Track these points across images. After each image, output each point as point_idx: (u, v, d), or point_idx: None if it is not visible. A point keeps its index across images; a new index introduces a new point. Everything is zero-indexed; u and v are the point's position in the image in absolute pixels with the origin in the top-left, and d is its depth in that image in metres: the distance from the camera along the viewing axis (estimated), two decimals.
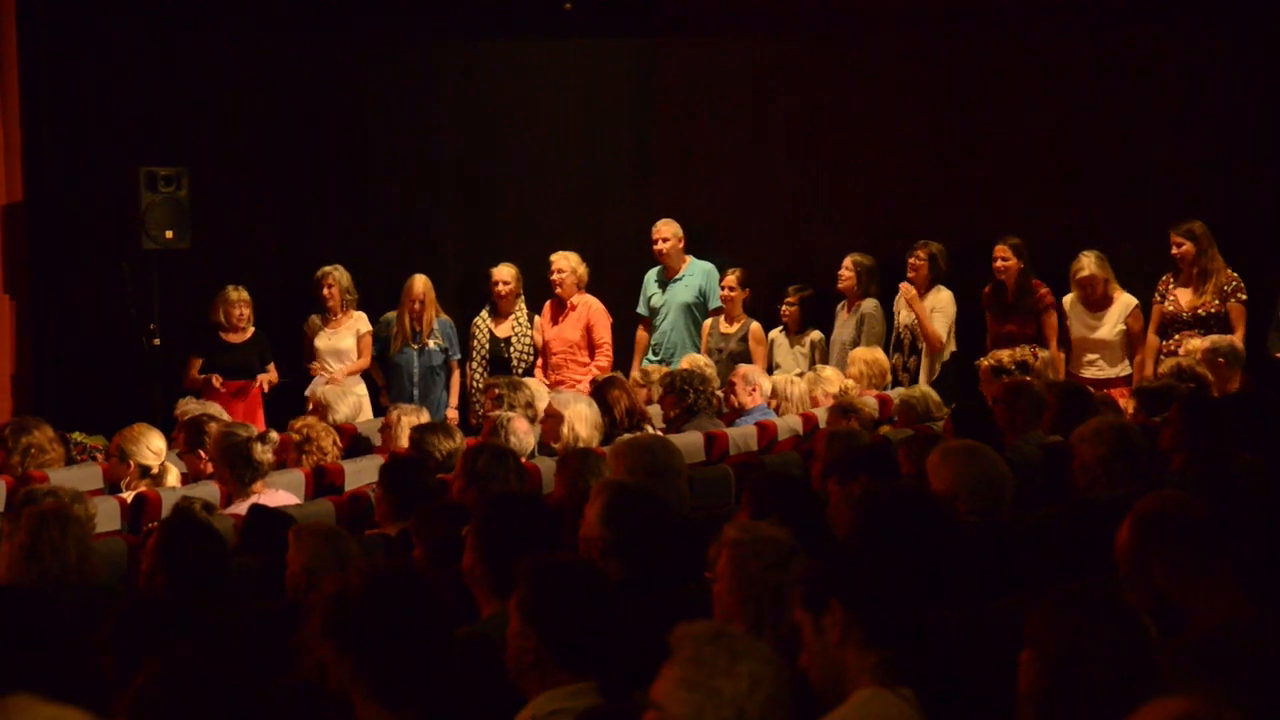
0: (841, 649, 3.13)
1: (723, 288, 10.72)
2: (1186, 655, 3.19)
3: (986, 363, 8.74)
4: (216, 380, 10.16)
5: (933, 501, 4.45)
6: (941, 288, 10.32)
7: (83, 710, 2.29)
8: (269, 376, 10.46)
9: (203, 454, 7.19)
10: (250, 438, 6.61)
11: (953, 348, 10.28)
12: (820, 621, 3.16)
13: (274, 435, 6.96)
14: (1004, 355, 8.71)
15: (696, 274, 10.96)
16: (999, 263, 10.13)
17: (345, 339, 10.69)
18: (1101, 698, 2.92)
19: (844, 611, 3.13)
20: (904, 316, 10.34)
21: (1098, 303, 9.89)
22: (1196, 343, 8.91)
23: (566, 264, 10.77)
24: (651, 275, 11.09)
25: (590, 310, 10.83)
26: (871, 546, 3.26)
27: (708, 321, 10.81)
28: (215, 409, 8.10)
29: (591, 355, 10.79)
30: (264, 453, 6.61)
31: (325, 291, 10.67)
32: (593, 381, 9.50)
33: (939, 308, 10.25)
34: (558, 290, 10.80)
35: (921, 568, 3.23)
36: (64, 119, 11.12)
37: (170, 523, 5.30)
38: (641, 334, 11.10)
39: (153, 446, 7.22)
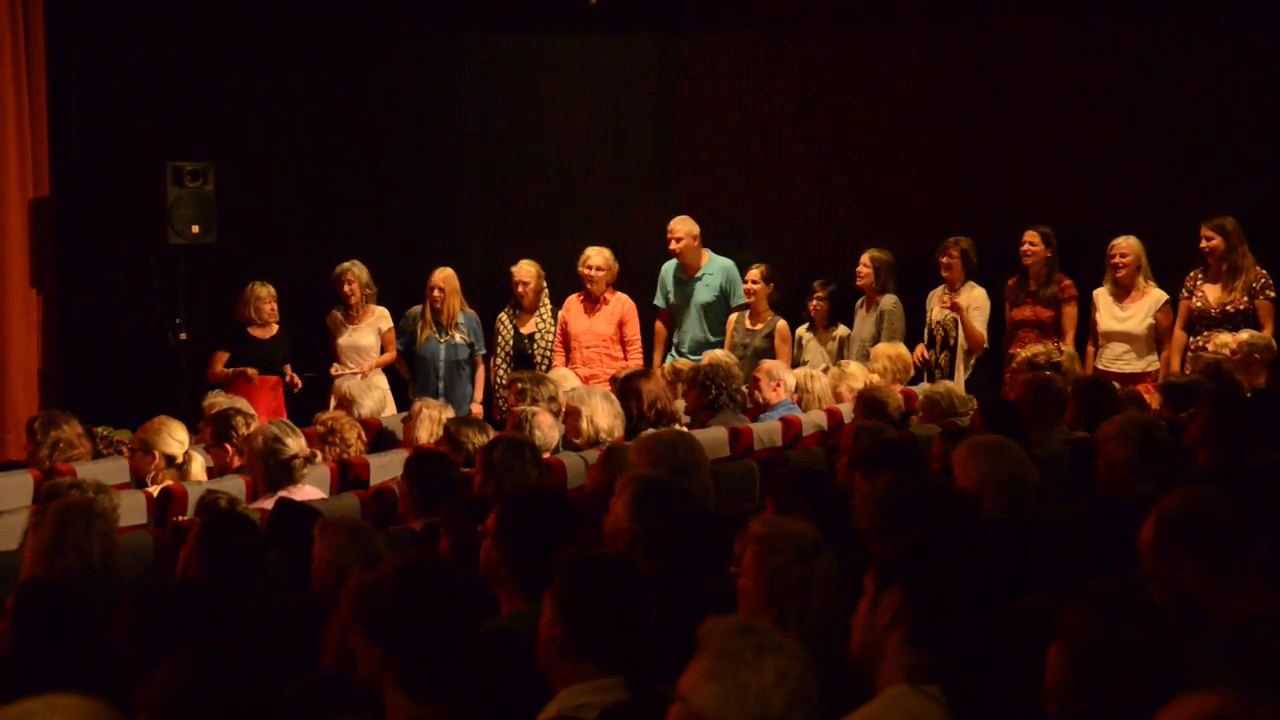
0: (886, 634, 3.13)
1: (746, 283, 10.70)
2: (1214, 652, 3.18)
3: (1024, 354, 8.72)
4: (252, 372, 10.18)
5: (957, 497, 4.44)
6: (974, 285, 10.28)
7: (111, 704, 2.30)
8: (295, 378, 10.49)
9: (229, 448, 7.22)
10: (297, 454, 6.58)
11: (985, 345, 10.25)
12: (879, 598, 3.17)
13: (319, 458, 7.00)
14: (1040, 350, 8.69)
15: (716, 272, 10.91)
16: (1026, 247, 10.10)
17: (366, 335, 10.71)
18: (1129, 694, 2.92)
19: (901, 602, 3.14)
20: (936, 314, 10.30)
21: (1127, 293, 9.85)
22: (1225, 337, 8.86)
23: (603, 259, 10.77)
24: (669, 269, 11.05)
25: (624, 306, 10.85)
26: (949, 551, 3.24)
27: (733, 317, 10.78)
28: (243, 403, 8.12)
29: (624, 350, 10.80)
30: (303, 469, 6.61)
31: (346, 289, 10.69)
32: (613, 378, 9.50)
33: (976, 306, 10.20)
34: (590, 285, 10.77)
35: (979, 577, 3.21)
36: (90, 114, 11.18)
37: (212, 514, 5.32)
38: (659, 327, 11.10)
39: (176, 435, 7.25)
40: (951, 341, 10.21)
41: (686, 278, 10.98)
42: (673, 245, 10.87)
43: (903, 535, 3.46)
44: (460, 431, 6.98)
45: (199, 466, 7.24)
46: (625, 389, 7.99)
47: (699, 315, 10.92)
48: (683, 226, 10.86)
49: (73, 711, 2.24)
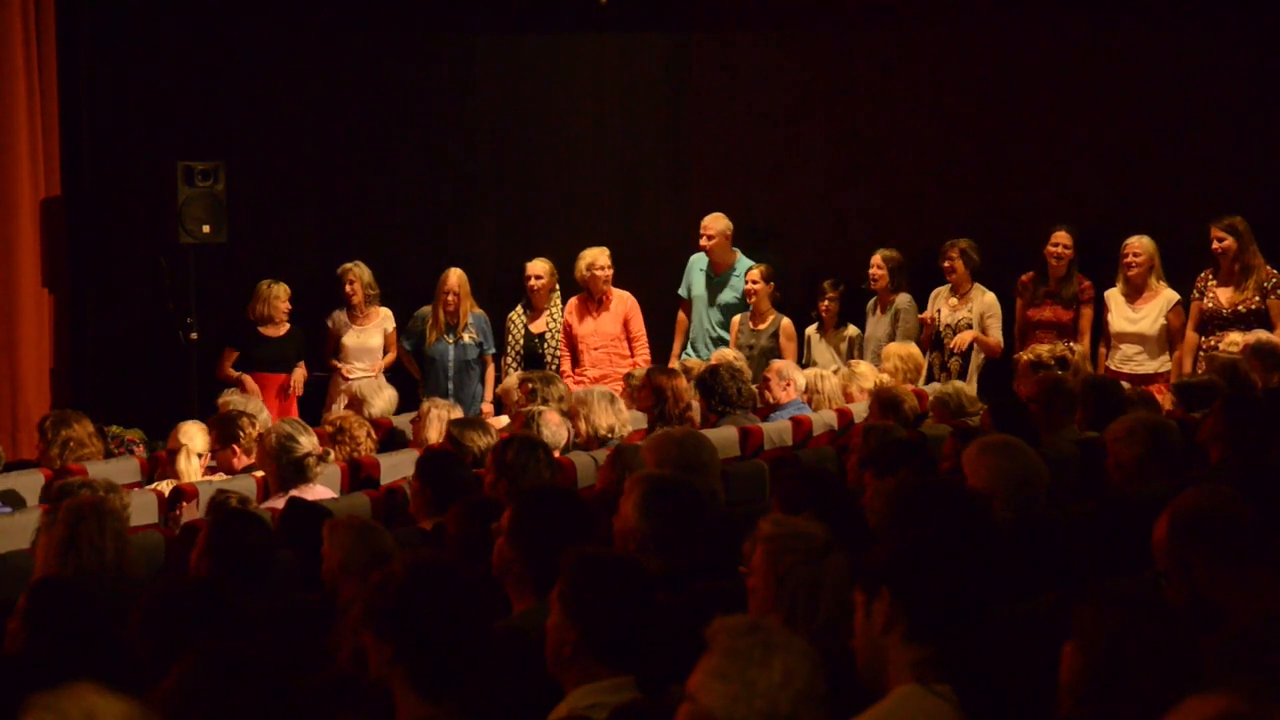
0: (885, 637, 3.13)
1: (746, 283, 10.67)
2: (1227, 652, 3.17)
3: (1026, 357, 8.71)
4: (249, 381, 10.20)
5: (968, 497, 4.43)
6: (983, 289, 10.25)
7: (130, 699, 2.31)
8: (301, 374, 10.51)
9: (236, 449, 7.25)
10: (309, 452, 6.59)
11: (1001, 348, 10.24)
12: (870, 606, 3.17)
13: (331, 456, 7.00)
14: (1043, 350, 8.68)
15: (744, 275, 10.83)
16: (1059, 248, 10.05)
17: (373, 336, 10.71)
18: (1142, 694, 2.91)
19: (892, 602, 3.13)
20: (944, 316, 10.28)
21: (1139, 294, 9.85)
22: (1236, 336, 8.85)
23: (608, 259, 10.77)
24: (696, 262, 11.02)
25: (627, 304, 10.84)
26: (929, 544, 3.24)
27: (736, 318, 10.76)
28: (256, 404, 8.14)
29: (630, 347, 10.80)
30: (316, 469, 6.62)
31: (348, 288, 10.69)
32: (628, 376, 9.49)
33: (990, 313, 10.17)
34: (595, 286, 10.74)
35: (969, 567, 3.21)
36: (102, 114, 11.19)
37: (221, 513, 5.33)
38: (681, 316, 11.09)
39: (193, 436, 7.36)
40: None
41: (714, 275, 10.96)
42: (704, 242, 10.85)
43: (881, 544, 3.46)
44: (463, 434, 6.97)
45: (194, 466, 7.29)
46: (657, 386, 7.93)
47: (719, 313, 10.90)
48: (716, 224, 10.84)
49: (96, 702, 2.25)
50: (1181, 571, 3.60)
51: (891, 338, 10.22)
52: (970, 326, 10.14)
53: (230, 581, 4.54)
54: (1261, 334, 8.83)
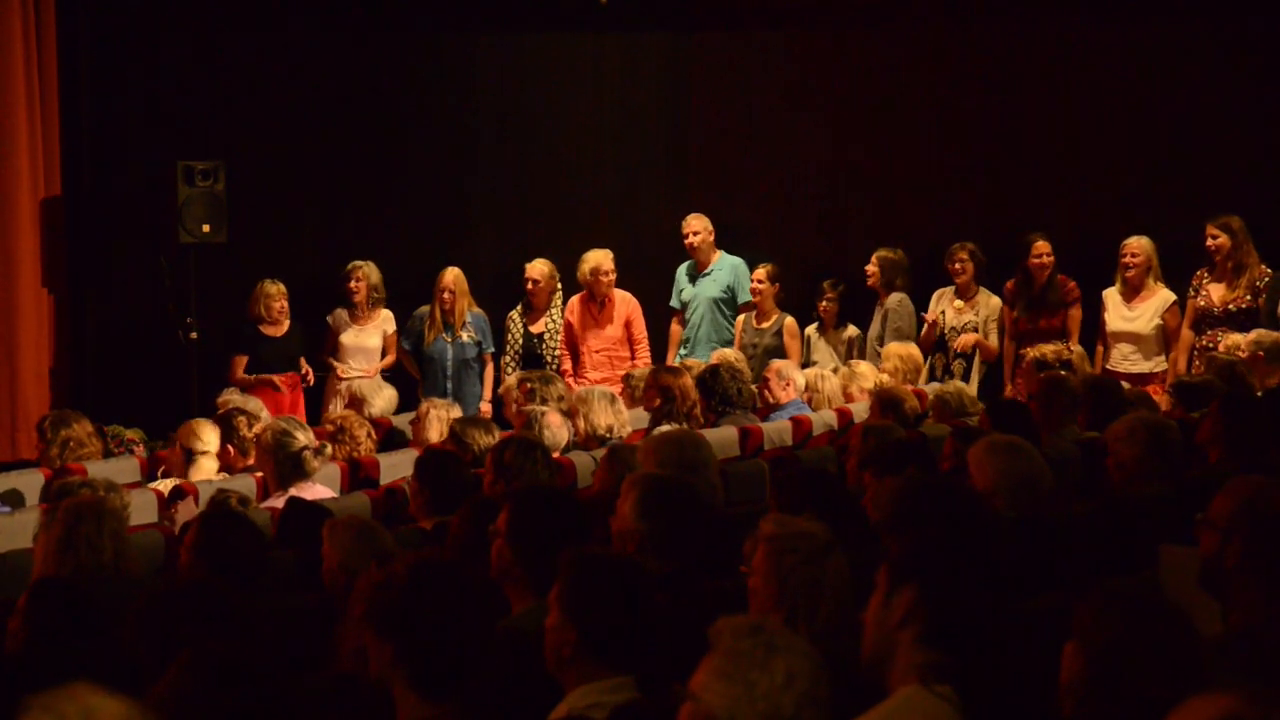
0: (898, 633, 3.11)
1: (752, 282, 10.69)
2: (1231, 652, 3.17)
3: (1032, 354, 8.71)
4: (280, 379, 10.21)
5: (977, 498, 4.43)
6: (989, 294, 10.28)
7: (128, 699, 2.31)
8: (308, 370, 10.50)
9: (230, 449, 7.25)
10: (305, 446, 6.58)
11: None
12: (891, 597, 3.15)
13: (329, 450, 6.99)
14: (1048, 350, 8.68)
15: (724, 269, 10.92)
16: (1042, 259, 10.06)
17: (372, 337, 10.70)
18: (1144, 693, 2.91)
19: (914, 600, 3.12)
20: (949, 318, 10.28)
21: (1136, 293, 9.85)
22: (1237, 337, 8.85)
23: (611, 262, 10.75)
24: (683, 269, 11.09)
25: (629, 306, 10.84)
26: (961, 549, 3.22)
27: (741, 317, 10.78)
28: (255, 404, 8.14)
29: (631, 350, 10.79)
30: (313, 462, 6.61)
31: (353, 285, 10.67)
32: (626, 376, 9.49)
33: (992, 316, 10.21)
34: (598, 289, 10.72)
35: (987, 573, 3.19)
36: (102, 113, 11.19)
37: (209, 514, 5.33)
38: (675, 327, 11.10)
39: (202, 434, 7.37)
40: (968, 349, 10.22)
41: (697, 273, 10.99)
42: (688, 240, 10.88)
43: (917, 531, 3.44)
44: (466, 432, 6.97)
45: (210, 465, 7.30)
46: (664, 385, 7.93)
47: (707, 312, 10.92)
48: (698, 223, 10.90)
49: (94, 703, 2.25)
50: (1220, 538, 3.51)
51: (881, 335, 10.24)
52: (975, 329, 10.16)
53: (227, 582, 4.53)
54: (1264, 332, 8.82)
